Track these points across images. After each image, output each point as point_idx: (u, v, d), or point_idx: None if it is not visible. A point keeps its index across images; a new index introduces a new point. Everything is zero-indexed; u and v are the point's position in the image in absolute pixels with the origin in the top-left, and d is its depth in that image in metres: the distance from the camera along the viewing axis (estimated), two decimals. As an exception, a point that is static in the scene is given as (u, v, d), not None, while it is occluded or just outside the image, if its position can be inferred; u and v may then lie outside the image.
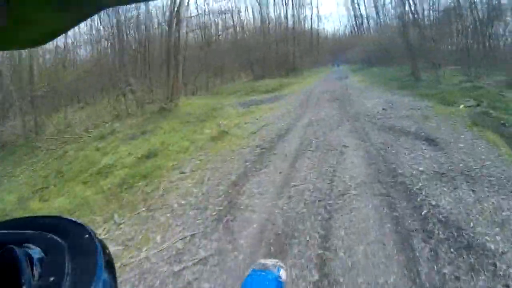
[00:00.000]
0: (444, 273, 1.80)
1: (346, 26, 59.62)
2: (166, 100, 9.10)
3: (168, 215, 2.94)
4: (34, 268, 0.27)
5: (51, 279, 0.26)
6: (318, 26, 50.46)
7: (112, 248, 2.55)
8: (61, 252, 0.29)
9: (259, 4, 24.79)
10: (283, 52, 21.24)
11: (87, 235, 0.31)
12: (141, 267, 2.20)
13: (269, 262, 1.02)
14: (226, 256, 2.18)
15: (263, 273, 0.96)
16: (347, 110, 7.03)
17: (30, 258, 0.27)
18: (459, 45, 12.03)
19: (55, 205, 3.92)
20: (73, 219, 0.34)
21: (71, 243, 0.30)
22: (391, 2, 22.45)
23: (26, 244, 0.29)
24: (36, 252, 0.28)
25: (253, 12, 35.10)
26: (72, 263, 0.28)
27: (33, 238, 0.30)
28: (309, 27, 31.00)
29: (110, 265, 0.30)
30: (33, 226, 0.31)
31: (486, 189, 2.72)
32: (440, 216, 2.36)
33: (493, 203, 2.48)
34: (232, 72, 20.41)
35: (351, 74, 18.32)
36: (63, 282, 0.26)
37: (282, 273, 0.97)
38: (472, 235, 2.11)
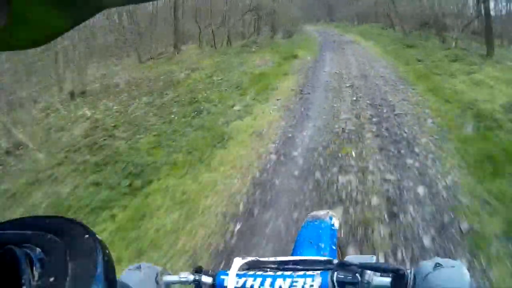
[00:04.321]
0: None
1: None
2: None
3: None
4: (34, 268, 0.27)
5: (51, 279, 0.26)
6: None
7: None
8: (61, 252, 0.29)
9: None
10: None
11: (87, 235, 0.31)
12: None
13: (321, 212, 0.98)
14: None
15: (317, 223, 0.92)
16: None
17: (30, 258, 0.27)
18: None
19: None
20: (73, 219, 0.33)
21: (71, 243, 0.30)
22: None
23: (26, 244, 0.29)
24: (36, 252, 0.28)
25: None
26: (72, 263, 0.28)
27: (33, 238, 0.30)
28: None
29: (110, 265, 0.30)
30: (33, 226, 0.31)
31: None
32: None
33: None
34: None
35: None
36: (63, 282, 0.26)
37: (335, 221, 0.94)
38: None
